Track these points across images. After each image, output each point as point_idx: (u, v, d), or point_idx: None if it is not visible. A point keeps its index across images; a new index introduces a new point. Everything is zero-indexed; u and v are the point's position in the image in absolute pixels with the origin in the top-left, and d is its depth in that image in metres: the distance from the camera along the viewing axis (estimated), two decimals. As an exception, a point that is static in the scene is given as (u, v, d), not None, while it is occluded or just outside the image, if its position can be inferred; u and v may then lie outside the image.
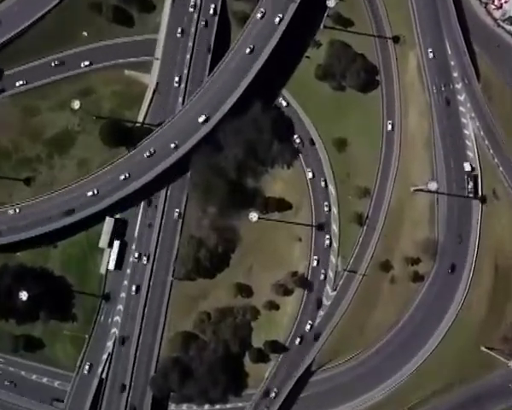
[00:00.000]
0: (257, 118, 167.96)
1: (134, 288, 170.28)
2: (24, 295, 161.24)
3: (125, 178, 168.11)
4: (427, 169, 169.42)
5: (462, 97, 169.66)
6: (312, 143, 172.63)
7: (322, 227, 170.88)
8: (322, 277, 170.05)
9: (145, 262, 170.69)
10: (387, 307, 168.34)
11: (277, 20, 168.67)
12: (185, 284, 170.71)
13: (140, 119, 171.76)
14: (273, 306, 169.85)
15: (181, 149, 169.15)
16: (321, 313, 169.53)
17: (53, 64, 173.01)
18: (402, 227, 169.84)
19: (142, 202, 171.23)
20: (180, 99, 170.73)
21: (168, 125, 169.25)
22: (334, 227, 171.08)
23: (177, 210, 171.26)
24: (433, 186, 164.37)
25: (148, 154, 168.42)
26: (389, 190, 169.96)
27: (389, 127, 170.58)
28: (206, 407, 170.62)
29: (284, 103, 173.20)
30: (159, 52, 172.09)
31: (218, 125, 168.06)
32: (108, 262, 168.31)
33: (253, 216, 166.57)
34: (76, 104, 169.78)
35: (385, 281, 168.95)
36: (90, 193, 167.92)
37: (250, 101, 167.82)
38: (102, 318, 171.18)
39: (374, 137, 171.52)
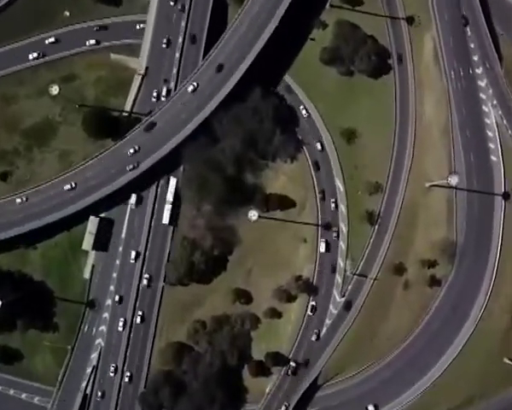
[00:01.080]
0: (257, 106, 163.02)
1: (121, 294, 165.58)
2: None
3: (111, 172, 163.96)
4: (444, 162, 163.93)
5: (483, 83, 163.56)
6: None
7: (328, 227, 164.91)
8: (328, 281, 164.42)
9: (133, 266, 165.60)
10: (401, 314, 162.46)
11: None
12: (178, 290, 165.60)
13: (127, 107, 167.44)
14: (275, 313, 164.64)
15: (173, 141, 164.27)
16: (328, 321, 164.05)
17: (32, 47, 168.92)
18: (417, 226, 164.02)
19: (130, 200, 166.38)
20: (172, 84, 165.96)
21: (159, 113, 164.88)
22: (343, 227, 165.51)
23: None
24: (454, 180, 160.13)
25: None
26: (403, 186, 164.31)
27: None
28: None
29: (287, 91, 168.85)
30: (148, 34, 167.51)
31: (210, 117, 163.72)
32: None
33: (253, 215, 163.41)
34: (55, 89, 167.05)
35: (398, 286, 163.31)
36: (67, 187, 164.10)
37: (249, 86, 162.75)
38: (86, 327, 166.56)
39: (386, 127, 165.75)
